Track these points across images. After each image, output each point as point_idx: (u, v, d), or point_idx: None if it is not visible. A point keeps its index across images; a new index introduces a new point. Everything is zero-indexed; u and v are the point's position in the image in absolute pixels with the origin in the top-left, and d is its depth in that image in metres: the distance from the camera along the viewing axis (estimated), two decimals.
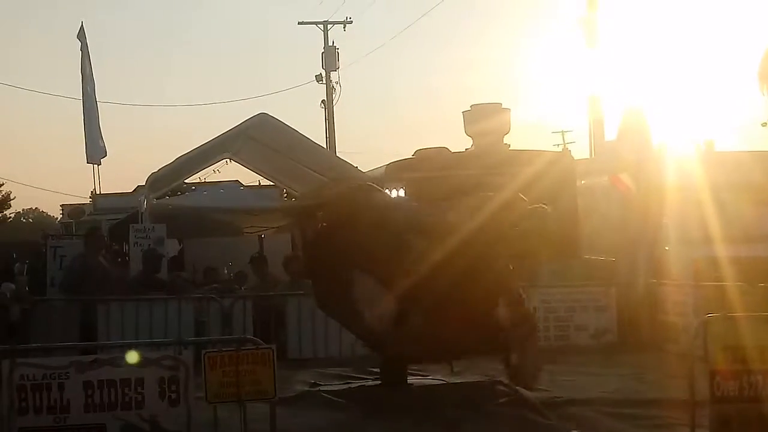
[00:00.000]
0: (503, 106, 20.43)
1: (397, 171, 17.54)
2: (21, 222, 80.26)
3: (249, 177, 27.37)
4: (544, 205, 10.42)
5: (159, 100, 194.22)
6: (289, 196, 22.44)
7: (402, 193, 16.73)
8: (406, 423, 9.51)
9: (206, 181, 28.31)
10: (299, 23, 43.77)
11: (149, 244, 16.08)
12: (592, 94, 26.15)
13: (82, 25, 29.14)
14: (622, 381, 11.84)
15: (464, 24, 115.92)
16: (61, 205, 35.41)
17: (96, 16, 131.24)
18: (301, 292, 13.76)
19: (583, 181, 18.16)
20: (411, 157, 18.43)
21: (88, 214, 27.76)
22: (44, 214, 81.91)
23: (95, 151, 27.80)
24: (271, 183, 22.94)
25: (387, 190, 15.00)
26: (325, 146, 34.17)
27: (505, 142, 19.99)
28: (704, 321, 8.25)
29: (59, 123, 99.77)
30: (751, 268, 13.62)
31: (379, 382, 11.12)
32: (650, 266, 15.33)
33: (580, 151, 32.30)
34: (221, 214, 20.00)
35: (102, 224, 20.76)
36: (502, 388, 10.55)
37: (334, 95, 42.89)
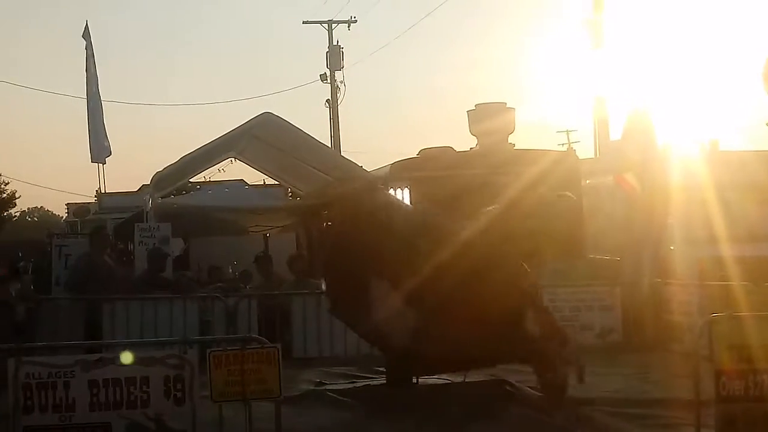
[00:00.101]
0: (508, 106, 20.44)
1: (401, 170, 17.51)
2: (26, 221, 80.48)
3: (254, 176, 27.52)
4: (570, 194, 10.35)
5: (164, 100, 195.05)
6: (294, 195, 22.50)
7: (407, 192, 16.73)
8: (411, 422, 9.47)
9: (211, 180, 28.49)
10: (304, 22, 43.72)
11: (154, 243, 16.08)
12: (597, 94, 26.11)
13: (87, 24, 29.30)
14: (627, 380, 11.81)
15: (469, 23, 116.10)
16: (66, 204, 35.59)
17: (101, 15, 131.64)
18: (306, 291, 13.78)
19: (587, 181, 18.13)
20: (416, 156, 18.43)
21: (93, 213, 27.86)
22: (49, 213, 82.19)
23: (100, 151, 27.88)
24: (276, 182, 23.00)
25: (392, 190, 15.00)
26: (329, 146, 34.19)
27: (509, 141, 20.01)
28: (709, 320, 8.26)
29: (64, 122, 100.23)
30: (756, 267, 13.60)
31: (385, 381, 11.09)
32: (655, 266, 15.30)
33: (585, 150, 32.40)
34: (226, 213, 20.04)
35: (107, 223, 20.84)
36: (507, 388, 10.52)
37: (338, 94, 42.88)
